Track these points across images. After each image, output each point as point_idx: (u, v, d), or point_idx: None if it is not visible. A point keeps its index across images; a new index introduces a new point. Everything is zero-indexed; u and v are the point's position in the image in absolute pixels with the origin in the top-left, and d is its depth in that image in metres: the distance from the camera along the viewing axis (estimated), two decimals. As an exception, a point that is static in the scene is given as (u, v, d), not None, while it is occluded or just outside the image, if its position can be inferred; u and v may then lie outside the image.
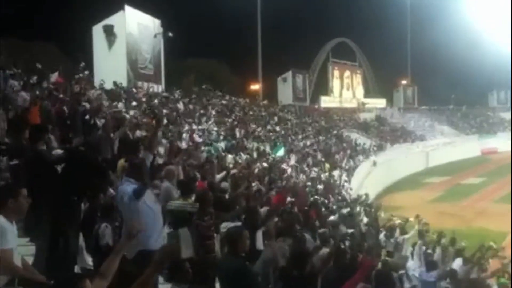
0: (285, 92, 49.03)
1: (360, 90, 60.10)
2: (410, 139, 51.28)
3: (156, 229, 5.56)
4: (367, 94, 61.05)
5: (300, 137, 33.68)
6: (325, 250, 7.49)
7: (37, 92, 12.85)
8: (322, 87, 55.28)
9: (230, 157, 17.05)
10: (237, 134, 23.26)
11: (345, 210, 16.10)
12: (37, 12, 45.04)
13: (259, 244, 7.04)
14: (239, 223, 7.18)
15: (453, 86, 66.92)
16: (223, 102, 32.59)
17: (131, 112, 17.13)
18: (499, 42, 57.51)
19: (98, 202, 6.75)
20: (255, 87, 49.29)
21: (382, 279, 6.49)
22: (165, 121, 17.46)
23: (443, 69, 67.73)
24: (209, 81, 38.64)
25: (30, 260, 4.91)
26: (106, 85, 22.55)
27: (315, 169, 24.81)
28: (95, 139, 10.09)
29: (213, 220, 6.77)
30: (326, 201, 16.75)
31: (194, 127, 19.93)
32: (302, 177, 21.50)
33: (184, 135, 17.21)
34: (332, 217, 13.04)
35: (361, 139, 42.38)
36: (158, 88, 30.15)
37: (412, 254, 12.54)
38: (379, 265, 8.12)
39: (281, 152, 23.34)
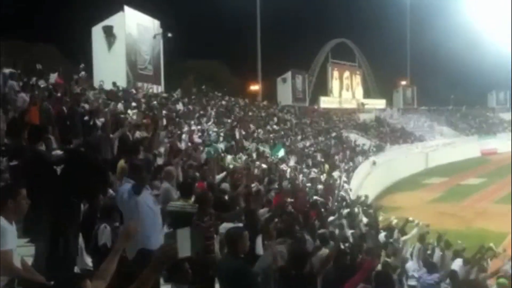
0: (284, 93, 49.06)
1: (359, 91, 60.15)
2: (410, 139, 51.30)
3: (156, 229, 5.57)
4: (367, 94, 61.07)
5: (299, 137, 33.68)
6: (324, 251, 7.49)
7: (37, 93, 12.81)
8: (321, 87, 55.33)
9: (229, 157, 17.04)
10: (237, 135, 23.25)
11: (344, 211, 16.11)
12: (37, 13, 45.16)
13: (259, 249, 7.03)
14: (239, 224, 7.17)
15: (452, 87, 67.09)
16: (223, 102, 32.60)
17: (131, 113, 17.11)
18: (499, 43, 57.56)
19: (98, 203, 6.74)
20: (255, 87, 49.32)
21: (382, 279, 6.48)
22: (164, 122, 17.45)
23: (443, 70, 67.95)
24: (209, 82, 38.73)
25: (29, 260, 4.90)
26: (106, 86, 22.56)
27: (315, 169, 24.79)
28: (95, 139, 10.09)
29: (213, 220, 6.76)
30: (327, 201, 16.72)
31: (194, 127, 19.92)
32: (301, 177, 21.47)
33: (183, 136, 17.19)
34: (331, 218, 13.06)
35: (361, 140, 42.39)
36: (158, 89, 30.17)
37: (411, 255, 12.55)
38: (379, 266, 8.13)
39: (281, 153, 23.33)
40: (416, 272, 11.01)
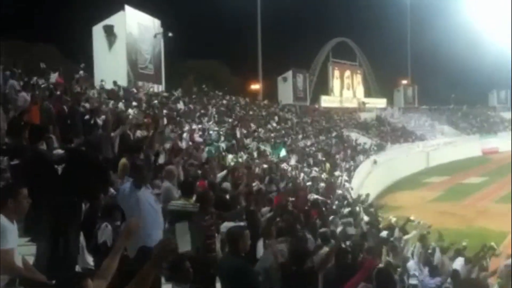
0: (285, 92, 49.03)
1: (360, 90, 60.12)
2: (411, 139, 51.30)
3: (158, 227, 5.58)
4: (368, 94, 61.05)
5: (300, 136, 33.68)
6: (326, 250, 7.48)
7: (37, 92, 12.82)
8: (322, 86, 55.31)
9: (230, 156, 17.05)
10: (238, 134, 23.25)
11: (345, 210, 16.09)
12: (37, 12, 45.17)
13: (259, 252, 7.03)
14: (240, 223, 7.17)
15: (453, 86, 67.03)
16: (224, 102, 32.59)
17: (131, 112, 17.12)
18: (499, 42, 57.55)
19: (99, 202, 6.74)
20: (256, 87, 49.28)
21: (383, 279, 6.47)
22: (165, 121, 17.46)
23: (443, 69, 67.89)
24: (210, 81, 38.72)
25: (31, 260, 4.90)
26: (106, 85, 22.57)
27: (316, 169, 24.80)
28: (96, 138, 10.10)
29: (214, 219, 6.76)
30: (328, 201, 16.72)
31: (194, 127, 19.92)
32: (302, 176, 21.47)
33: (184, 135, 17.20)
34: (331, 217, 13.03)
35: (362, 139, 42.37)
36: (159, 88, 30.16)
37: (412, 254, 12.54)
38: (381, 265, 8.10)
39: (282, 152, 23.35)
40: (417, 271, 10.99)
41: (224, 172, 12.24)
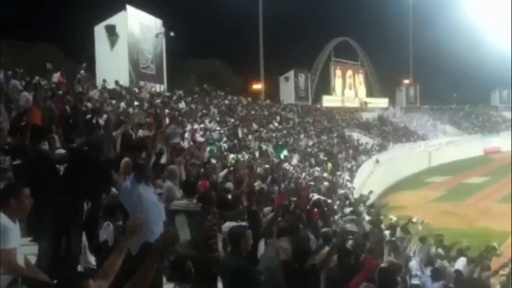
0: (287, 92, 49.01)
1: (362, 90, 60.06)
2: (413, 138, 51.24)
3: (160, 224, 5.60)
4: (369, 93, 61.00)
5: (302, 136, 33.67)
6: (327, 249, 7.48)
7: (40, 92, 12.83)
8: (324, 86, 55.26)
9: (232, 156, 17.06)
10: (240, 134, 23.26)
11: (347, 210, 16.11)
12: (39, 12, 45.13)
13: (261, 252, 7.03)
14: (242, 223, 7.17)
15: (455, 85, 66.91)
16: (225, 101, 32.60)
17: (133, 112, 17.13)
18: (501, 41, 57.41)
19: (101, 202, 6.75)
20: (257, 86, 49.24)
21: (385, 278, 6.46)
22: (167, 120, 17.46)
23: (445, 68, 67.77)
24: (211, 81, 38.72)
25: (33, 259, 4.91)
26: (108, 85, 22.59)
27: (318, 168, 24.80)
28: (97, 138, 10.10)
29: (216, 219, 6.76)
30: (329, 200, 16.73)
31: (196, 126, 19.93)
32: (304, 176, 21.47)
33: (186, 134, 17.21)
34: (336, 217, 13.05)
35: (364, 139, 42.34)
36: (160, 88, 30.17)
37: (414, 253, 12.54)
38: (383, 265, 8.10)
39: (284, 153, 23.37)
40: (419, 272, 10.98)
41: (225, 171, 12.24)
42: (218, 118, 25.20)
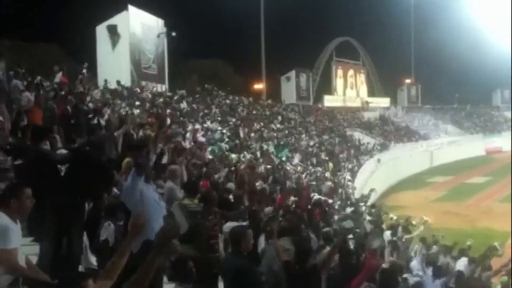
0: (288, 91, 49.01)
1: (363, 89, 60.01)
2: (414, 138, 51.17)
3: (160, 221, 5.60)
4: (371, 93, 60.95)
5: (303, 136, 33.66)
6: (328, 249, 7.48)
7: (42, 92, 12.84)
8: (325, 86, 55.22)
9: (233, 156, 17.06)
10: (241, 134, 23.26)
11: (349, 209, 16.11)
12: (41, 12, 45.12)
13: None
14: (243, 223, 7.17)
15: (457, 85, 66.86)
16: (227, 101, 32.60)
17: (135, 112, 17.14)
18: (503, 41, 57.35)
19: (102, 202, 6.76)
20: (259, 86, 49.25)
21: (386, 279, 6.47)
22: (168, 120, 17.47)
23: (447, 68, 67.72)
24: (213, 81, 38.67)
25: (34, 259, 4.91)
26: (110, 85, 22.60)
27: (319, 168, 24.79)
28: (99, 138, 10.11)
29: (217, 219, 6.77)
30: (330, 200, 16.73)
31: (198, 126, 19.93)
32: (305, 175, 21.46)
33: (187, 134, 17.21)
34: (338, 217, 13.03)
35: (365, 139, 42.30)
36: (162, 88, 30.18)
37: (415, 253, 12.54)
38: (384, 265, 8.10)
39: (286, 153, 23.37)
40: (420, 271, 10.97)
41: (225, 171, 12.23)
42: (219, 118, 25.19)
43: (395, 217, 15.49)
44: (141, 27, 29.64)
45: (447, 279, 10.10)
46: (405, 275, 9.28)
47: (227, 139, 20.01)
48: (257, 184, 11.90)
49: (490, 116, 66.56)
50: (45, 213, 5.31)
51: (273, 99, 45.13)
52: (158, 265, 3.05)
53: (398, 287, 7.20)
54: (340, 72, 56.26)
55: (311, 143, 32.15)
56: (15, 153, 7.21)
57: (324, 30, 60.29)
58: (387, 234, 13.45)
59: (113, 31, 27.91)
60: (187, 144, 15.24)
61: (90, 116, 12.04)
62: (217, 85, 36.84)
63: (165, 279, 5.60)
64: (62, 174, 6.16)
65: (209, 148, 16.83)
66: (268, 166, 17.61)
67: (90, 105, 14.05)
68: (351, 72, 58.05)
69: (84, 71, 21.47)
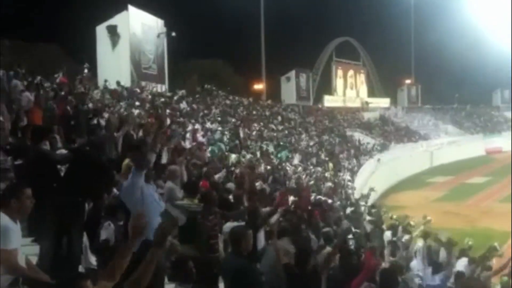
0: (288, 92, 49.03)
1: (363, 90, 60.03)
2: (414, 138, 51.16)
3: (159, 220, 5.60)
4: (371, 93, 60.97)
5: (303, 136, 33.66)
6: (329, 250, 7.48)
7: (42, 92, 12.85)
8: (325, 86, 55.24)
9: (233, 156, 17.05)
10: (241, 134, 23.26)
11: (349, 210, 16.10)
12: (41, 12, 45.12)
13: (260, 245, 7.03)
14: (243, 223, 7.17)
15: (457, 85, 66.90)
16: (227, 101, 32.60)
17: (135, 112, 17.14)
18: (503, 41, 57.34)
19: (102, 202, 6.76)
20: (259, 86, 49.26)
21: (386, 279, 6.47)
22: (168, 121, 17.47)
23: (447, 68, 67.78)
24: (213, 81, 38.68)
25: (34, 259, 4.91)
26: (110, 85, 22.60)
27: (319, 168, 24.77)
28: (99, 138, 10.12)
29: (217, 219, 6.76)
30: (330, 200, 16.72)
31: (198, 126, 19.93)
32: (304, 175, 21.45)
33: (187, 134, 17.21)
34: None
35: (365, 139, 42.30)
36: (162, 88, 30.19)
37: (415, 253, 12.50)
38: (385, 265, 8.10)
39: (286, 153, 23.37)
40: (421, 271, 10.96)
41: (223, 171, 12.23)
42: (219, 118, 25.20)
43: (395, 217, 15.45)
44: (141, 27, 29.64)
45: (448, 272, 10.09)
46: (404, 276, 9.27)
47: (226, 139, 20.01)
48: (257, 184, 11.89)
49: (490, 116, 66.57)
50: (45, 213, 5.31)
51: (273, 99, 45.15)
52: (158, 265, 3.05)
53: (398, 287, 7.20)
54: (340, 72, 56.28)
55: (311, 143, 32.15)
56: (15, 153, 7.21)
57: (324, 30, 60.40)
58: (387, 234, 13.43)
59: (113, 31, 27.91)
60: (187, 144, 15.25)
61: (90, 116, 12.04)
62: (217, 85, 36.87)
63: (165, 279, 5.60)
64: (62, 174, 6.16)
65: (209, 148, 16.82)
66: (268, 167, 17.60)
67: (90, 105, 14.06)
68: (351, 72, 58.08)
69: (86, 71, 21.49)
